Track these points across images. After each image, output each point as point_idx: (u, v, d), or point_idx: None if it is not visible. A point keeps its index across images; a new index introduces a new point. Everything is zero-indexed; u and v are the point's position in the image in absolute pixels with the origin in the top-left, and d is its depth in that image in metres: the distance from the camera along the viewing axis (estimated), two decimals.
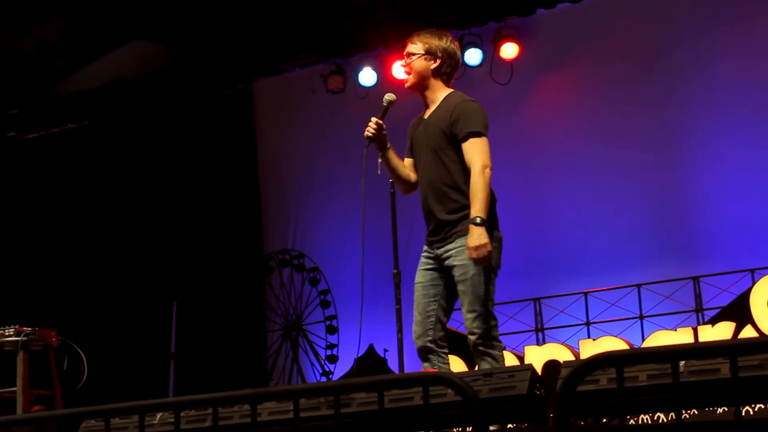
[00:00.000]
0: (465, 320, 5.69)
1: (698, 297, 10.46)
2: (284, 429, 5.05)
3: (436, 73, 5.99)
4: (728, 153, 10.76)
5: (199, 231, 13.19)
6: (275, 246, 13.34)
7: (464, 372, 6.64)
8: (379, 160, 6.08)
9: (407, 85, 6.09)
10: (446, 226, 5.79)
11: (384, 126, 6.04)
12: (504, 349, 5.73)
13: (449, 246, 5.76)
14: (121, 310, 12.77)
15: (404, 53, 6.06)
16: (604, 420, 4.61)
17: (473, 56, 11.91)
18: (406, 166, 6.13)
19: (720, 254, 10.54)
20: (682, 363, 3.84)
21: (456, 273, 5.72)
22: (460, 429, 5.91)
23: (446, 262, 5.77)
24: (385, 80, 12.28)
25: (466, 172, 5.75)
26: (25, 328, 8.42)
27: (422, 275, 5.92)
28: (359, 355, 11.52)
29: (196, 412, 5.49)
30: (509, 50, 11.83)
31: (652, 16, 11.45)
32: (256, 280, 13.22)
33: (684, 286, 10.50)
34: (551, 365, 9.15)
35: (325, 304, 12.89)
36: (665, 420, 6.98)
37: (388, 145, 6.08)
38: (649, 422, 6.70)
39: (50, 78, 12.91)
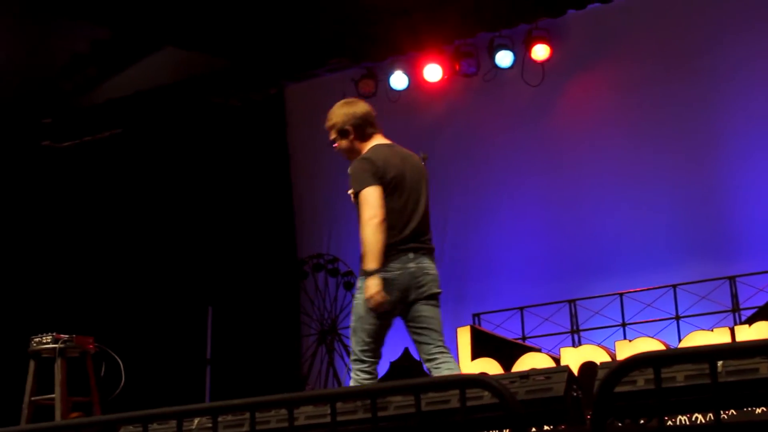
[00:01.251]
0: None
1: (734, 297, 10.39)
2: None
3: (357, 140, 6.36)
4: (762, 152, 10.69)
5: (233, 237, 13.24)
6: (309, 250, 13.35)
7: (501, 374, 6.62)
8: None
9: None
10: None
11: None
12: (373, 375, 6.22)
13: None
14: (156, 316, 12.82)
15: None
16: (642, 421, 4.58)
17: (504, 58, 11.89)
18: None
19: (756, 253, 10.46)
20: (720, 363, 3.81)
21: None
22: None
23: None
24: (417, 83, 12.28)
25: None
26: (62, 336, 8.47)
27: None
28: (394, 359, 11.52)
29: (234, 417, 5.50)
30: (540, 52, 11.79)
31: (684, 16, 11.39)
32: (291, 285, 13.24)
33: (720, 286, 10.43)
34: (588, 366, 9.12)
35: None
36: (703, 421, 6.94)
37: None
38: (687, 423, 6.66)
39: (83, 86, 12.99)
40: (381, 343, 6.19)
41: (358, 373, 6.12)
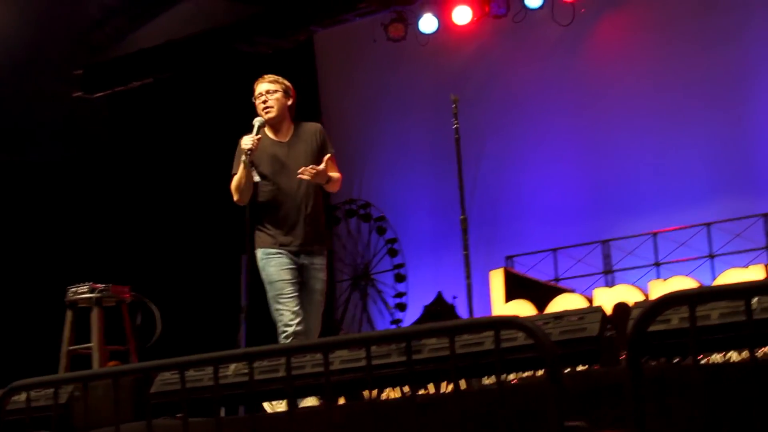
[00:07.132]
0: None
1: None
2: (356, 377, 5.09)
3: (290, 108, 7.16)
4: None
5: None
6: (341, 197, 13.36)
7: (534, 315, 6.63)
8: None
9: (270, 116, 7.11)
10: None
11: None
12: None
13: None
14: (191, 265, 12.89)
15: (263, 91, 7.16)
16: (676, 360, 4.59)
17: None
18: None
19: None
20: (755, 300, 3.80)
21: None
22: (532, 372, 5.90)
23: None
24: (446, 26, 12.20)
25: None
26: (98, 285, 8.53)
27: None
28: (428, 304, 11.56)
29: (269, 363, 5.54)
30: None
31: None
32: None
33: (754, 224, 10.39)
34: (621, 307, 9.11)
35: (392, 253, 12.91)
36: (738, 358, 6.92)
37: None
38: (722, 361, 6.66)
39: (113, 37, 12.99)
40: None
41: None
